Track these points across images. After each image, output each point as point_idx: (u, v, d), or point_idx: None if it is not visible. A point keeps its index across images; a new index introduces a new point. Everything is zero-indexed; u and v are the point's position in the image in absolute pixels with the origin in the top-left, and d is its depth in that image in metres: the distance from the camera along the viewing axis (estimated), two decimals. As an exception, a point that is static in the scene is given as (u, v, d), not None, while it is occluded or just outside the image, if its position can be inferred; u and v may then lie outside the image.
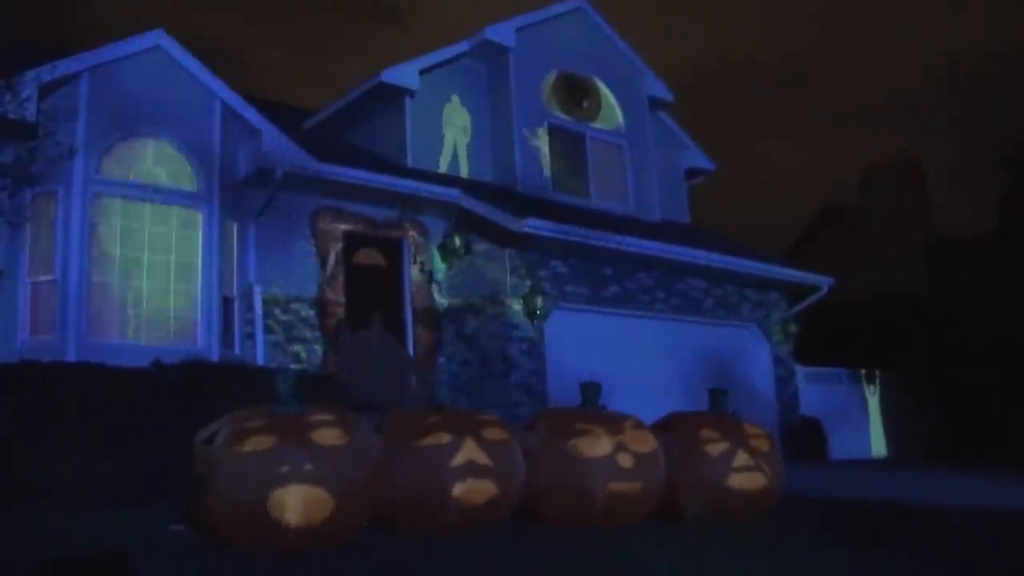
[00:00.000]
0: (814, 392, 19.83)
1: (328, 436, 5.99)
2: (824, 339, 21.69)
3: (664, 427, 7.62)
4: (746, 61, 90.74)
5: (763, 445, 7.40)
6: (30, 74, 10.85)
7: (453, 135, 16.92)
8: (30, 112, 10.93)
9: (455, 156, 16.84)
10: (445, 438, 6.40)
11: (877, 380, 21.90)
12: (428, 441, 6.40)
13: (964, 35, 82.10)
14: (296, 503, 5.65)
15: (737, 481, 7.10)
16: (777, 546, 6.48)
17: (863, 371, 21.77)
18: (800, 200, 70.56)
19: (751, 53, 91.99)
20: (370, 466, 6.16)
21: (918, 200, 30.63)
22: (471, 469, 6.34)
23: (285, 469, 5.71)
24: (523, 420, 7.91)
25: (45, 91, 11.31)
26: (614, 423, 7.09)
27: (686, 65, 76.95)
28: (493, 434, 6.63)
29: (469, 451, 6.39)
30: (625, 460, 6.81)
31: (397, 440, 6.50)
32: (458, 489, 6.29)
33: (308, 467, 5.75)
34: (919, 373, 21.89)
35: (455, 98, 17.12)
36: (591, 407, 7.50)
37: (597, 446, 6.82)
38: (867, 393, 21.73)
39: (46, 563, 4.87)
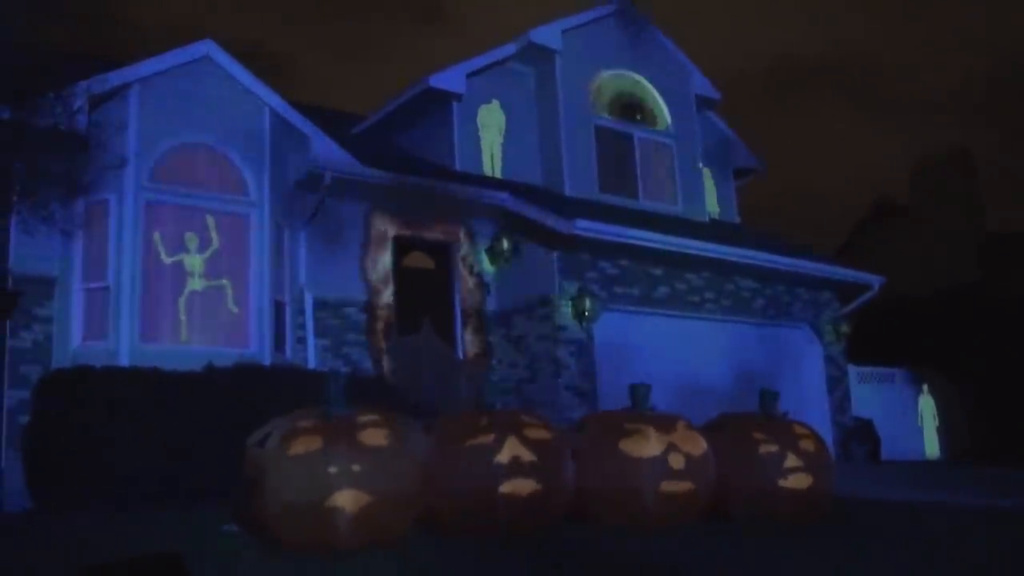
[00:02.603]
0: (866, 392, 19.63)
1: (376, 438, 6.03)
2: (876, 338, 21.44)
3: (714, 428, 7.58)
4: (794, 56, 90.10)
5: (813, 446, 7.33)
6: (81, 86, 10.99)
7: (494, 138, 16.95)
8: (81, 123, 11.06)
9: (493, 158, 16.86)
10: (488, 437, 6.43)
11: (930, 379, 21.62)
12: (472, 441, 6.43)
13: (1017, 25, 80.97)
14: (346, 504, 5.69)
15: (787, 483, 7.04)
16: (827, 550, 6.42)
17: (916, 370, 21.51)
18: (851, 197, 69.86)
19: (799, 48, 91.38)
20: (418, 467, 6.19)
21: (971, 195, 30.17)
22: (515, 467, 6.36)
23: (335, 471, 5.76)
24: (573, 422, 7.91)
25: (96, 102, 11.45)
26: (664, 423, 7.07)
27: (733, 62, 76.54)
28: (536, 433, 6.64)
29: (512, 448, 6.40)
30: (677, 461, 6.79)
31: (444, 441, 6.54)
32: (502, 487, 6.31)
33: (357, 469, 5.79)
34: (973, 372, 21.57)
35: (501, 101, 17.14)
36: (641, 408, 7.49)
37: (647, 446, 6.80)
38: (920, 393, 21.46)
39: (105, 565, 4.94)
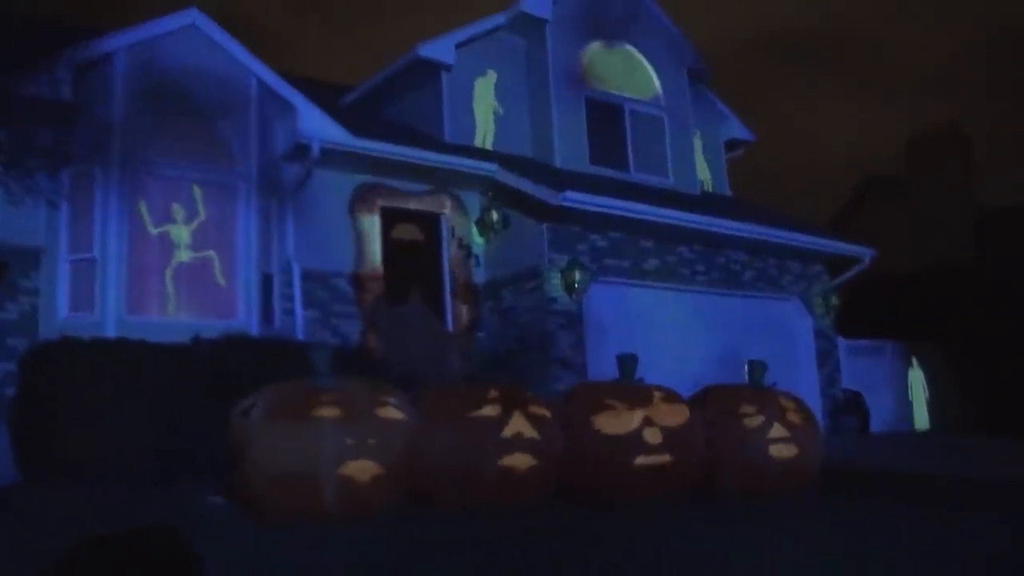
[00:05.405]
0: (856, 365, 19.64)
1: (386, 412, 6.00)
2: (868, 311, 21.46)
3: (700, 399, 7.56)
4: (786, 28, 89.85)
5: (799, 417, 7.31)
6: (65, 54, 10.88)
7: (484, 110, 16.84)
8: (66, 92, 10.96)
9: (483, 130, 16.76)
10: (494, 410, 6.40)
11: (920, 353, 21.65)
12: (477, 413, 6.40)
13: None
14: (329, 475, 5.66)
15: (773, 453, 7.02)
16: (813, 520, 6.41)
17: (906, 344, 21.52)
18: (844, 171, 69.83)
19: (792, 19, 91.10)
20: (407, 439, 6.16)
21: (964, 170, 30.12)
22: (518, 442, 6.34)
23: (318, 442, 5.72)
24: (562, 394, 7.89)
25: (81, 71, 11.34)
26: (640, 397, 7.04)
27: (726, 34, 76.33)
28: (538, 409, 6.62)
29: (517, 424, 6.38)
30: (653, 435, 6.76)
31: (439, 414, 6.50)
32: (503, 461, 6.29)
33: (345, 440, 5.76)
34: (964, 346, 21.61)
35: (491, 72, 17.02)
36: (628, 379, 7.46)
37: (621, 423, 6.77)
38: (910, 366, 21.49)
39: (104, 537, 4.90)
